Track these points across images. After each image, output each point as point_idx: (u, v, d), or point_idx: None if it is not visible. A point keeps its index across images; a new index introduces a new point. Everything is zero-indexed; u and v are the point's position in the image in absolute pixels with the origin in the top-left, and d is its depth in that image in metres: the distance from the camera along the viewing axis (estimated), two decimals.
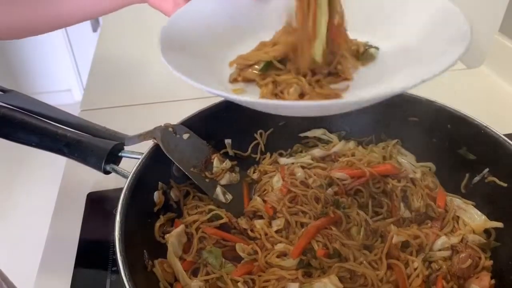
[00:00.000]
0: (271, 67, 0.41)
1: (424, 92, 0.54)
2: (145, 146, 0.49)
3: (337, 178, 0.52)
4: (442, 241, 0.46)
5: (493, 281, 0.43)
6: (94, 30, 2.39)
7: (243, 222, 0.49)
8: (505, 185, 0.46)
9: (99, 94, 0.80)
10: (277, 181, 0.54)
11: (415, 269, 0.44)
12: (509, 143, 0.46)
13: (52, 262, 0.51)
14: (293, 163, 0.56)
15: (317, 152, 0.57)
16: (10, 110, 0.53)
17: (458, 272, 0.43)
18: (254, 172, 0.57)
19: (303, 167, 0.55)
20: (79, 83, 2.50)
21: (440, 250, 0.46)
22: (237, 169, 0.54)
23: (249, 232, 0.49)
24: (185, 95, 0.76)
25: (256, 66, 0.41)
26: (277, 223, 0.49)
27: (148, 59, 0.90)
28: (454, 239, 0.46)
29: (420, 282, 0.43)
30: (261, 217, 0.50)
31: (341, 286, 0.41)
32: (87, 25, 2.37)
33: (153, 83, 0.82)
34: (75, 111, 0.75)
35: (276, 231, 0.48)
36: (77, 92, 2.50)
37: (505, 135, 0.47)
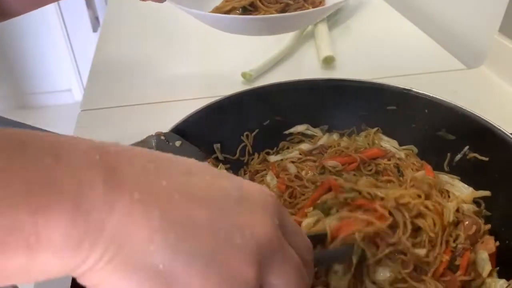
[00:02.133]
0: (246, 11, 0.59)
1: (408, 86, 0.55)
2: None
3: (330, 166, 0.54)
4: (450, 206, 0.47)
5: (497, 243, 0.45)
6: (94, 30, 2.39)
7: None
8: (486, 159, 0.49)
9: (99, 94, 0.80)
10: (271, 179, 0.54)
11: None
12: (483, 118, 0.49)
13: None
14: (282, 160, 0.57)
15: (304, 146, 0.59)
16: None
17: (467, 239, 0.45)
18: (245, 174, 0.58)
19: (293, 162, 0.56)
20: (79, 83, 2.50)
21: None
22: (230, 172, 0.54)
23: None
24: (185, 95, 0.76)
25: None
26: None
27: (148, 59, 0.90)
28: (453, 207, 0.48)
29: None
30: None
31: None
32: (87, 25, 2.37)
33: (153, 83, 0.82)
34: (75, 111, 0.75)
35: None
36: (77, 92, 2.50)
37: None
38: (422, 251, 0.42)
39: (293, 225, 0.28)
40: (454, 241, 0.45)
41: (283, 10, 0.62)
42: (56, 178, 0.20)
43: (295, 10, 0.62)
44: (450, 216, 0.46)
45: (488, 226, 0.47)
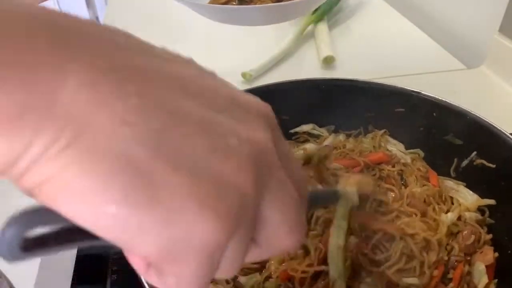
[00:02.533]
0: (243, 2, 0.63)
1: (417, 89, 0.55)
2: None
3: (333, 169, 0.53)
4: (450, 216, 0.47)
5: (496, 254, 0.44)
6: None
7: None
8: (493, 166, 0.49)
9: None
10: None
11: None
12: (492, 125, 0.48)
13: (52, 262, 0.51)
14: None
15: (310, 146, 0.58)
16: None
17: (465, 249, 0.45)
18: None
19: None
20: None
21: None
22: None
23: None
24: None
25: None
26: None
27: None
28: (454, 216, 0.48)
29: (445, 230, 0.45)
30: None
31: None
32: None
33: None
34: None
35: None
36: None
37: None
38: (413, 280, 0.42)
39: (288, 148, 0.22)
40: (448, 254, 0.45)
41: (277, 1, 0.65)
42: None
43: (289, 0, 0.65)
44: (443, 231, 0.45)
45: (490, 236, 0.46)
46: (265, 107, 0.21)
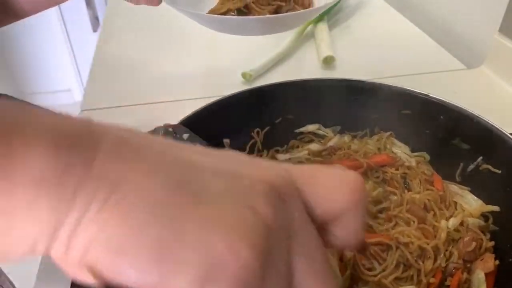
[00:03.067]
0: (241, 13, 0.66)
1: (424, 91, 0.54)
2: None
3: None
4: (452, 222, 0.47)
5: (497, 262, 0.44)
6: (94, 30, 2.39)
7: None
8: (499, 171, 0.48)
9: (99, 94, 0.80)
10: None
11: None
12: (500, 130, 0.47)
13: (52, 262, 0.51)
14: (290, 159, 0.57)
15: (314, 146, 0.58)
16: None
17: (465, 256, 0.44)
18: None
19: (300, 162, 0.56)
20: (79, 83, 2.50)
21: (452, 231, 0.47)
22: None
23: None
24: (185, 95, 0.76)
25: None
26: None
27: (148, 59, 0.90)
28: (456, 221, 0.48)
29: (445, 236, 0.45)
30: None
31: None
32: (87, 25, 2.37)
33: (153, 83, 0.82)
34: (75, 111, 0.75)
35: None
36: (77, 92, 2.50)
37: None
38: None
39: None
40: (446, 261, 0.44)
41: (275, 12, 0.66)
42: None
43: (287, 11, 0.67)
44: (442, 237, 0.45)
45: (491, 243, 0.46)
46: (283, 178, 0.21)
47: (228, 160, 0.20)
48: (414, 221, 0.46)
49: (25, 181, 0.15)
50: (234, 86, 0.75)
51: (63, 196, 0.16)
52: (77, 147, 0.16)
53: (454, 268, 0.43)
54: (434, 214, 0.48)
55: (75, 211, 0.16)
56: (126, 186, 0.17)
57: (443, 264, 0.44)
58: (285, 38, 0.89)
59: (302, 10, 0.66)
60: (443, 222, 0.47)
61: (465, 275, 0.43)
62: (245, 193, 0.19)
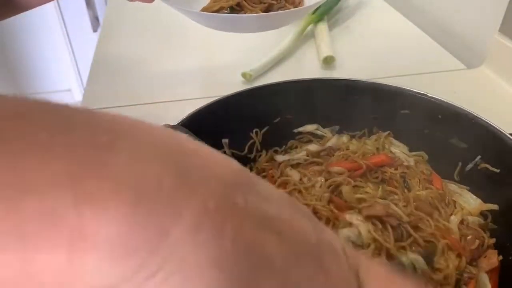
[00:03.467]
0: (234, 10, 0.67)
1: (423, 91, 0.54)
2: None
3: (335, 172, 0.53)
4: (453, 220, 0.47)
5: (500, 257, 0.44)
6: (94, 30, 2.39)
7: None
8: (497, 170, 0.48)
9: (99, 94, 0.80)
10: None
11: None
12: (498, 129, 0.48)
13: None
14: (288, 160, 0.57)
15: (312, 147, 0.58)
16: None
17: (470, 254, 0.44)
18: (251, 171, 0.57)
19: (299, 163, 0.56)
20: (79, 83, 2.50)
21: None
22: None
23: None
24: (185, 95, 0.76)
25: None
26: None
27: (148, 59, 0.90)
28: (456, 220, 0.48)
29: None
30: None
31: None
32: (87, 25, 2.37)
33: (153, 83, 0.82)
34: None
35: None
36: (77, 92, 2.50)
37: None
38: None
39: None
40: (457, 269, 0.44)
41: (267, 9, 0.69)
42: (109, 162, 0.15)
43: (278, 9, 0.69)
44: (456, 232, 0.45)
45: (493, 240, 0.46)
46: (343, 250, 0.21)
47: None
48: (428, 220, 0.46)
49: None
50: (234, 86, 0.75)
51: (129, 263, 0.15)
52: (152, 216, 0.15)
53: (469, 277, 0.43)
54: (440, 213, 0.48)
55: (138, 276, 0.15)
56: (187, 270, 0.16)
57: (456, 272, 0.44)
58: (285, 38, 0.89)
59: (292, 9, 0.68)
60: (452, 218, 0.47)
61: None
62: None
